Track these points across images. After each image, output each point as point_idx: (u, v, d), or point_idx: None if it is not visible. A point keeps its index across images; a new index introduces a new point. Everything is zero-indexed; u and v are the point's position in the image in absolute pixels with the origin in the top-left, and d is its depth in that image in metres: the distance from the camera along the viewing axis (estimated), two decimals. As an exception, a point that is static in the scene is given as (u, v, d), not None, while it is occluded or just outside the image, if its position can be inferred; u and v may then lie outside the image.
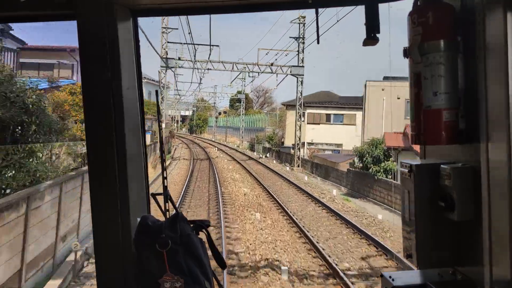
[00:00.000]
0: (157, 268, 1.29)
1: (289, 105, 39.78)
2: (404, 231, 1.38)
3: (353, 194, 21.56)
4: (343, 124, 38.17)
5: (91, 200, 1.42)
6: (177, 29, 39.81)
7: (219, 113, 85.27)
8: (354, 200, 19.91)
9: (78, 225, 10.44)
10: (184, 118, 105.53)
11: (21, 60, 21.90)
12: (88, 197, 1.45)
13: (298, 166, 32.08)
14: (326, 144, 37.88)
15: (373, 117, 29.61)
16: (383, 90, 29.45)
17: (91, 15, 1.38)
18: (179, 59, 30.68)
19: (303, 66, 32.66)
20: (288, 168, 32.05)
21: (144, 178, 1.58)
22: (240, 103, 69.20)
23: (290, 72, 32.15)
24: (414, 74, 1.27)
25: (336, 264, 9.51)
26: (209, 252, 1.43)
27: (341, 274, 8.67)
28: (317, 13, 1.51)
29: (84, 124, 1.41)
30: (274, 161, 37.58)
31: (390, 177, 19.91)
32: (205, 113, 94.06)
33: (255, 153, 46.42)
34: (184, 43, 33.88)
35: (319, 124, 38.45)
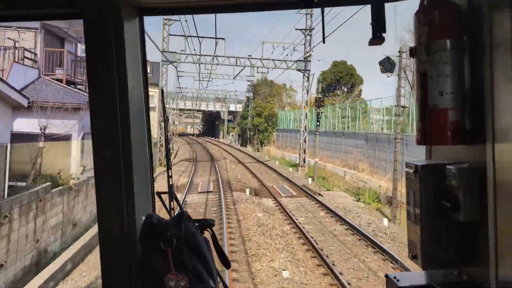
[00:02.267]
0: (161, 266, 1.29)
1: None
2: (409, 231, 1.38)
3: None
4: None
5: (96, 199, 1.42)
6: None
7: (324, 91, 39.99)
8: None
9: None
10: (234, 115, 67.90)
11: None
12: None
13: None
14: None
15: None
16: None
17: (97, 13, 1.38)
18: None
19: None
20: None
21: (149, 177, 1.57)
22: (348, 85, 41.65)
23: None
24: (420, 74, 1.26)
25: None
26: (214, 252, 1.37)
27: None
28: (322, 12, 1.54)
29: (90, 122, 1.41)
30: None
31: None
32: (271, 104, 50.49)
33: None
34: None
35: None
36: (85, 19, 1.37)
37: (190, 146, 52.63)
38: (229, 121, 69.42)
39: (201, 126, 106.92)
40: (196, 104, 72.86)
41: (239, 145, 55.28)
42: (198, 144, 58.07)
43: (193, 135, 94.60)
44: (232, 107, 69.01)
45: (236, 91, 60.74)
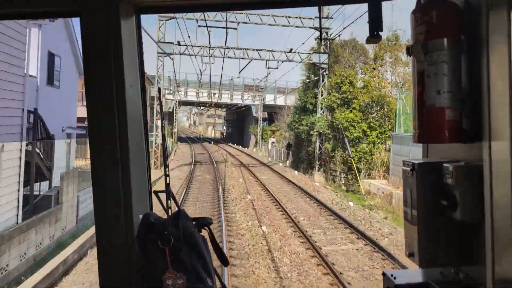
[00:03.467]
0: (159, 265, 1.29)
1: None
2: (406, 229, 1.38)
3: None
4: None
5: (93, 197, 1.42)
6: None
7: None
8: None
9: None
10: (271, 112, 44.01)
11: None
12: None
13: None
14: None
15: None
16: None
17: (95, 11, 1.38)
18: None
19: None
20: None
21: (147, 176, 1.58)
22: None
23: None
24: (417, 73, 1.26)
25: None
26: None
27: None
28: (320, 10, 2.13)
29: (87, 121, 1.41)
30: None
31: None
32: (377, 79, 25.13)
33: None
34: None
35: None
36: (83, 16, 1.38)
37: (189, 172, 25.12)
38: (264, 120, 45.00)
39: (224, 127, 79.75)
40: (214, 94, 45.39)
41: (289, 166, 30.37)
42: (208, 166, 29.32)
43: (210, 141, 66.25)
44: (269, 99, 43.47)
45: (290, 50, 27.59)
